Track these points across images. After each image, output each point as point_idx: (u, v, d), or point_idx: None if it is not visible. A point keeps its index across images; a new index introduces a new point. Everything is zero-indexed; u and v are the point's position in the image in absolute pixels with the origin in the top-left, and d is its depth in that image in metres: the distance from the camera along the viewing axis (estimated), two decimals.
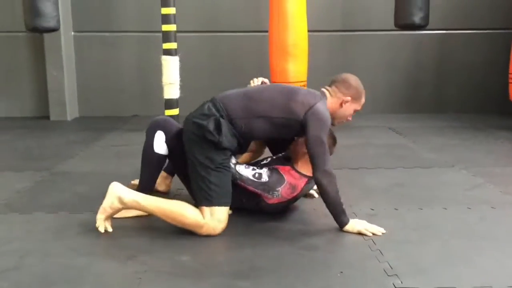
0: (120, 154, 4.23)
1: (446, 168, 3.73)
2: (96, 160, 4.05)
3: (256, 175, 2.62)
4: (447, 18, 6.13)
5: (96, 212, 2.58)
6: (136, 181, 3.01)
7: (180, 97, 5.27)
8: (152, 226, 2.58)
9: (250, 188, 2.60)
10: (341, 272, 2.06)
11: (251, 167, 2.68)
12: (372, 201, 2.98)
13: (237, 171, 2.60)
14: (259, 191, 2.60)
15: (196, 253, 2.27)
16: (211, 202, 2.42)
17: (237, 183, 2.58)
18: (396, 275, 2.04)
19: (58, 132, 5.32)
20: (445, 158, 4.00)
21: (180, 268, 2.12)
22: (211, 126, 2.45)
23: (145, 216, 2.62)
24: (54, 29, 5.02)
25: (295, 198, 2.71)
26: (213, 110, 2.55)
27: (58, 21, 4.99)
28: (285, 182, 2.63)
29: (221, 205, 2.44)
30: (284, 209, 2.74)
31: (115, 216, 2.55)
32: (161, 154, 2.73)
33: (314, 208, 2.85)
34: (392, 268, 2.09)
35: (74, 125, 5.77)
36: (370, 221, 2.59)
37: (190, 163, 2.52)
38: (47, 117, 6.11)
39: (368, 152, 4.26)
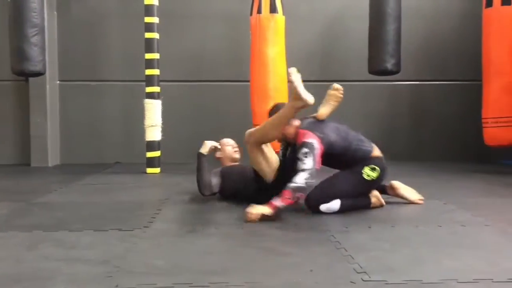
0: (100, 190, 4.25)
1: None
2: (74, 194, 4.07)
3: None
4: (419, 69, 6.45)
5: (71, 231, 2.75)
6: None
7: (162, 140, 5.38)
8: (129, 240, 2.59)
9: None
10: (311, 270, 2.09)
11: None
12: (346, 221, 3.03)
13: None
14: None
15: (171, 257, 2.29)
16: None
17: None
18: (365, 272, 2.06)
19: (38, 175, 5.34)
20: (420, 192, 4.06)
21: (152, 268, 2.13)
22: None
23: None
24: (40, 73, 5.17)
25: None
26: None
27: (44, 65, 5.15)
28: None
29: None
30: None
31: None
32: None
33: (291, 221, 2.90)
34: (361, 268, 2.12)
35: (54, 170, 5.79)
36: (344, 237, 2.65)
37: None
38: (28, 164, 6.14)
39: None
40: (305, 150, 2.97)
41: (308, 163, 2.93)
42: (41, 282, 1.97)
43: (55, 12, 6.31)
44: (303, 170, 2.92)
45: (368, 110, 6.50)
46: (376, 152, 3.29)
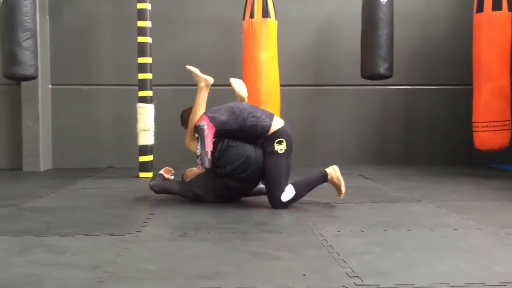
0: (91, 195, 4.22)
1: (412, 202, 3.83)
2: (66, 199, 4.04)
3: None
4: (411, 73, 6.47)
5: (62, 235, 2.70)
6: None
7: (154, 144, 5.37)
8: (120, 244, 2.58)
9: None
10: (304, 275, 2.08)
11: None
12: (339, 225, 3.03)
13: None
14: None
15: (163, 262, 2.28)
16: None
17: None
18: (358, 276, 2.07)
19: (29, 180, 5.29)
20: (412, 196, 4.10)
21: (144, 273, 2.12)
22: None
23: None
24: (32, 77, 5.15)
25: None
26: None
27: (36, 69, 5.13)
28: None
29: None
30: None
31: None
32: None
33: (283, 225, 2.89)
34: (354, 272, 2.12)
35: (46, 175, 5.75)
36: (336, 240, 2.65)
37: None
38: (20, 169, 6.10)
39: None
40: (196, 135, 3.55)
41: (199, 149, 3.46)
42: (31, 287, 1.95)
43: (48, 16, 6.28)
44: (196, 156, 3.50)
45: (360, 114, 6.52)
46: (276, 125, 3.58)
